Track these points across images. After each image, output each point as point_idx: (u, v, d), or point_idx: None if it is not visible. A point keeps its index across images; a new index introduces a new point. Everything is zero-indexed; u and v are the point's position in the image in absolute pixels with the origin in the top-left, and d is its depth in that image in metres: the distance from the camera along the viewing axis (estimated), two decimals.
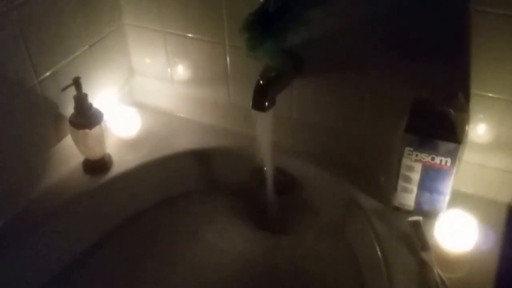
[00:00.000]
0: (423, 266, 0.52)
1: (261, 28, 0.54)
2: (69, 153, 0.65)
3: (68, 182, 0.64)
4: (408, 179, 0.56)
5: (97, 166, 0.66)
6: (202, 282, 0.63)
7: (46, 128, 0.62)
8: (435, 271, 0.51)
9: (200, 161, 0.72)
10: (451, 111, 0.53)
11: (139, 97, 0.78)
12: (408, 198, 0.58)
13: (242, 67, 0.67)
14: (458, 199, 0.58)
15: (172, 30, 0.69)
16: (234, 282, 0.62)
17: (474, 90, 0.54)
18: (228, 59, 0.68)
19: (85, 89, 0.62)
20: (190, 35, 0.68)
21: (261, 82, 0.56)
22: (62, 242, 0.62)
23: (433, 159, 0.53)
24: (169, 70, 0.74)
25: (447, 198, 0.56)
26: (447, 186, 0.55)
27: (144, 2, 0.69)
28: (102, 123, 0.64)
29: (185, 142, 0.71)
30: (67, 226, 0.62)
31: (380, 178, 0.62)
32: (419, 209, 0.58)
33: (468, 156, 0.57)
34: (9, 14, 0.53)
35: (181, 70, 0.73)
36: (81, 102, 0.61)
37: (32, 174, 0.62)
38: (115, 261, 0.65)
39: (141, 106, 0.76)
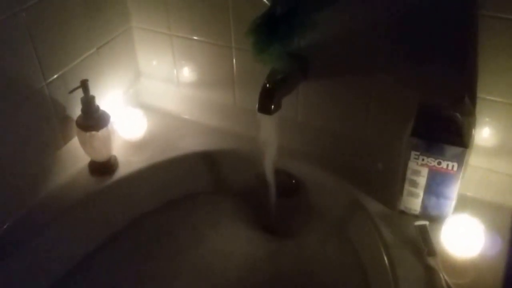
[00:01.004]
0: (429, 272, 0.51)
1: (268, 31, 0.54)
2: (76, 155, 0.66)
3: (74, 184, 0.65)
4: (414, 183, 0.56)
5: (103, 168, 0.66)
6: (206, 284, 0.62)
7: (53, 130, 0.63)
8: (441, 276, 0.50)
9: (205, 163, 0.72)
10: (458, 115, 0.53)
11: (145, 99, 0.79)
12: (414, 202, 0.57)
13: (248, 70, 0.68)
14: (465, 203, 0.58)
15: (179, 33, 0.69)
16: (239, 285, 0.62)
17: (481, 94, 0.54)
18: (234, 61, 0.68)
19: (93, 91, 0.63)
20: (196, 38, 0.69)
21: (267, 85, 0.56)
22: (68, 244, 0.62)
23: (439, 163, 0.53)
24: (175, 72, 0.74)
25: (453, 202, 0.56)
26: (454, 191, 0.54)
27: (151, 5, 0.69)
28: (109, 125, 0.64)
29: (190, 144, 0.72)
30: (73, 228, 0.62)
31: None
32: (425, 214, 0.57)
33: (475, 160, 0.57)
34: (18, 16, 0.54)
35: (187, 73, 0.73)
36: (88, 104, 0.62)
37: (38, 175, 0.62)
38: (120, 263, 0.65)
39: (147, 108, 0.77)
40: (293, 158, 0.68)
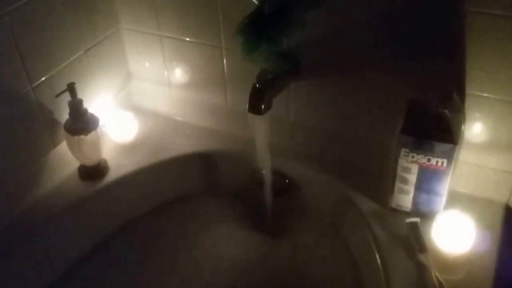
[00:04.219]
0: (421, 269, 0.52)
1: (257, 31, 0.53)
2: (65, 159, 0.65)
3: (64, 189, 0.64)
4: (404, 180, 0.56)
5: (93, 172, 0.66)
6: (198, 287, 0.62)
7: (41, 135, 0.62)
8: (432, 273, 0.51)
9: (197, 164, 0.72)
10: (447, 111, 0.53)
11: (136, 101, 0.78)
12: (405, 199, 0.57)
13: (239, 70, 0.67)
14: (455, 199, 0.58)
15: (169, 33, 0.69)
16: (231, 287, 0.62)
17: (469, 91, 0.54)
18: (225, 62, 0.68)
19: (81, 94, 0.62)
20: (186, 38, 0.68)
21: (257, 85, 0.56)
22: (58, 249, 0.62)
23: (429, 160, 0.53)
24: (166, 73, 0.73)
25: (444, 199, 0.56)
26: (444, 187, 0.55)
27: (140, 6, 0.68)
28: (98, 129, 0.63)
29: (182, 145, 0.71)
30: (63, 234, 0.62)
31: (382, 181, 0.60)
32: (416, 211, 0.58)
33: (465, 156, 0.57)
34: (1, 20, 0.53)
35: (178, 74, 0.73)
36: (76, 108, 0.61)
37: (27, 181, 0.61)
38: (112, 267, 0.64)
39: (138, 110, 0.76)
40: (286, 157, 0.68)
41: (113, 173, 0.67)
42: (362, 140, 0.64)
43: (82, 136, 0.61)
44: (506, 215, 0.58)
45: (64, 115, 0.63)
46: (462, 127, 0.53)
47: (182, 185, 0.73)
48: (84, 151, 0.63)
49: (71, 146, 0.63)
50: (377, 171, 0.62)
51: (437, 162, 0.53)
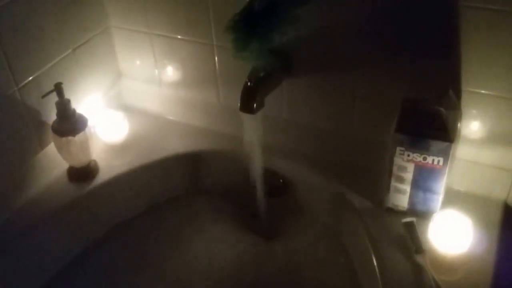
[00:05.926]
0: (418, 269, 0.51)
1: (247, 28, 0.52)
2: (53, 161, 0.64)
3: (52, 191, 0.63)
4: (400, 179, 0.55)
5: (82, 173, 0.65)
6: None
7: (28, 136, 0.61)
8: (429, 274, 0.50)
9: (189, 164, 0.71)
10: (442, 109, 0.52)
11: (127, 100, 0.77)
12: (401, 198, 0.57)
13: (231, 68, 0.66)
14: (452, 197, 0.57)
15: (159, 31, 0.68)
16: None
17: (465, 87, 0.53)
18: (216, 59, 0.67)
19: (70, 94, 0.61)
20: (177, 36, 0.67)
21: (249, 83, 0.55)
22: (47, 253, 0.61)
23: (425, 158, 0.52)
24: (157, 72, 0.72)
25: (440, 197, 0.55)
26: (441, 186, 0.54)
27: (129, 4, 0.67)
28: (87, 129, 0.62)
29: (174, 145, 0.70)
30: (52, 237, 0.61)
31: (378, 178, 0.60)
32: (412, 210, 0.57)
33: (462, 153, 0.56)
34: None
35: (169, 72, 0.72)
36: (64, 108, 0.60)
37: (14, 184, 0.60)
38: (103, 269, 0.63)
39: (129, 109, 0.75)
40: (279, 156, 0.67)
41: (103, 174, 0.65)
42: (357, 138, 0.63)
43: (70, 137, 0.60)
44: (504, 213, 0.57)
45: (51, 116, 0.62)
46: (459, 124, 0.52)
47: (174, 185, 0.72)
48: (73, 152, 0.61)
49: (59, 148, 0.62)
50: (373, 170, 0.61)
51: (433, 160, 0.52)
